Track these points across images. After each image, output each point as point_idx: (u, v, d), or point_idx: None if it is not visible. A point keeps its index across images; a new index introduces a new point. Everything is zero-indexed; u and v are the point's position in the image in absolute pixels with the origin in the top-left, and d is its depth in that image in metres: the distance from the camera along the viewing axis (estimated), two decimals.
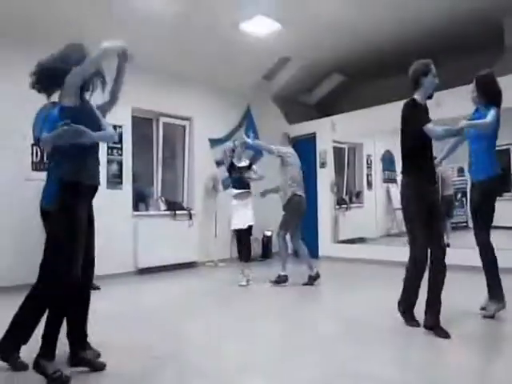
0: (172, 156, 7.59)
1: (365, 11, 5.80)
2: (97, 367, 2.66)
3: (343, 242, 7.95)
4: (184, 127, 7.48)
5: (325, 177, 7.95)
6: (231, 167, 5.72)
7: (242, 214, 5.57)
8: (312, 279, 5.37)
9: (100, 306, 4.77)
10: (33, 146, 5.54)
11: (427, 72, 3.32)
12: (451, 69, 6.23)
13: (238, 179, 5.66)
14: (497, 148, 3.65)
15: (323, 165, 7.97)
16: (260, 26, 6.15)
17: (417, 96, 3.34)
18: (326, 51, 7.05)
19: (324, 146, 7.95)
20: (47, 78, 2.60)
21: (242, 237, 5.68)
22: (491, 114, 3.40)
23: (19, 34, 5.26)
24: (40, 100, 2.96)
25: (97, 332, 3.00)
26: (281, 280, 5.43)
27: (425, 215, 3.28)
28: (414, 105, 3.32)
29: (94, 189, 2.70)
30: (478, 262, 3.59)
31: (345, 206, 8.47)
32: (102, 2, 5.13)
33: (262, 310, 4.39)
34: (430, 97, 3.38)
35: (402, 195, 3.43)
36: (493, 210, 3.59)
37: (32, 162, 5.53)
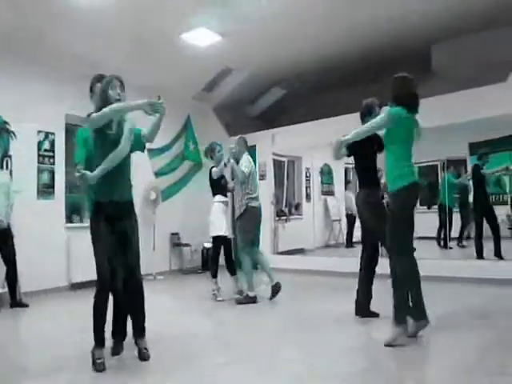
0: None
1: (302, 29, 5.99)
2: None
3: (282, 253, 8.06)
4: None
5: (264, 189, 8.03)
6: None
7: (226, 222, 5.31)
8: (246, 299, 4.96)
9: (30, 326, 4.54)
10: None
11: (371, 112, 3.88)
12: (385, 87, 6.61)
13: (225, 186, 5.40)
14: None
15: (263, 177, 8.05)
16: (201, 38, 6.14)
17: None
18: (267, 65, 7.18)
19: (264, 159, 8.05)
20: None
21: (228, 245, 5.36)
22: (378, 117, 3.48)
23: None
24: None
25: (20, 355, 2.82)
26: (249, 301, 4.92)
27: None
28: None
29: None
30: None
31: (284, 217, 8.61)
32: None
33: (206, 324, 4.33)
34: None
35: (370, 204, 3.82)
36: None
37: None
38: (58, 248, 6.04)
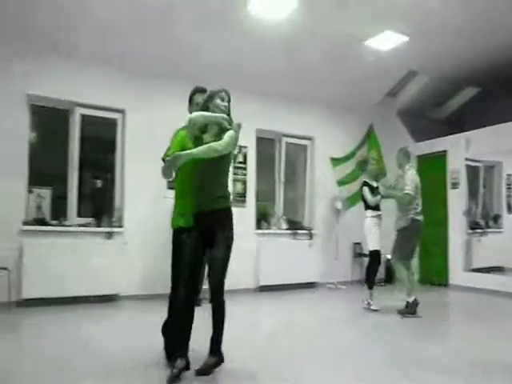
0: (293, 175, 7.66)
1: (502, 19, 5.30)
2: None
3: (477, 270, 7.18)
4: (306, 147, 7.52)
5: (456, 198, 7.30)
6: (368, 186, 5.42)
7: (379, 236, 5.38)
8: (410, 307, 4.89)
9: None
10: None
11: None
12: None
13: (378, 203, 5.42)
14: None
15: (455, 185, 7.33)
16: (386, 41, 5.96)
17: None
18: (458, 62, 6.56)
19: (456, 165, 7.32)
20: None
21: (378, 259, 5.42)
22: None
23: None
24: None
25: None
26: (412, 308, 4.90)
27: None
28: None
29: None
30: None
31: (479, 230, 7.68)
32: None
33: (379, 339, 4.12)
34: None
35: None
36: None
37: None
38: (248, 252, 6.51)
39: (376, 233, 5.31)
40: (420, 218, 5.05)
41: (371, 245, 5.34)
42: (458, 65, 6.66)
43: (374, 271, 5.41)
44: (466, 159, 7.32)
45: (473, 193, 7.75)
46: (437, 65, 6.70)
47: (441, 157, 7.50)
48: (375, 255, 5.34)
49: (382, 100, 7.68)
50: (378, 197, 5.31)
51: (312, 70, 6.47)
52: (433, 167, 7.63)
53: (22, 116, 5.24)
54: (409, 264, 5.14)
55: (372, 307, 5.20)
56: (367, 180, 5.49)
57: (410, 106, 7.87)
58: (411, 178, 5.06)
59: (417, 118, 8.09)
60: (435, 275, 7.42)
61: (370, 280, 5.37)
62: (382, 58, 6.31)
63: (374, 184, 5.47)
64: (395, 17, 5.39)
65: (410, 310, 4.88)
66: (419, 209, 5.05)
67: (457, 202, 7.27)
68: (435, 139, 7.59)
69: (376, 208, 5.38)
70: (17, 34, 5.03)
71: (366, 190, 5.36)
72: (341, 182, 7.16)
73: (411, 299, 4.92)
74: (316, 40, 5.76)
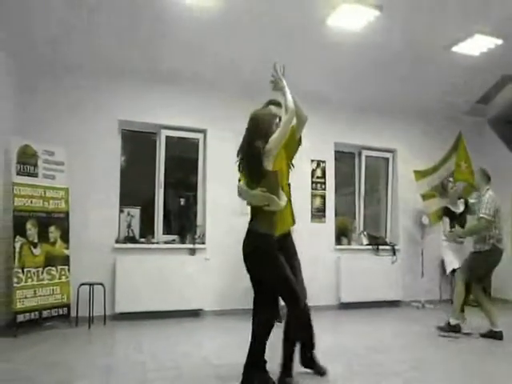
0: (374, 189, 7.42)
1: None
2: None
3: None
4: (387, 160, 7.26)
5: None
6: (449, 214, 5.27)
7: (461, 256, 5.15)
8: (449, 328, 4.83)
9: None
10: None
11: None
12: None
13: (459, 224, 5.22)
14: None
15: None
16: (475, 46, 5.64)
17: None
18: None
19: None
20: None
21: None
22: None
23: None
24: None
25: None
26: (452, 329, 4.81)
27: None
28: None
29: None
30: None
31: None
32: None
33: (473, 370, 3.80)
34: None
35: None
36: None
37: None
38: (328, 268, 6.43)
39: (449, 254, 5.27)
40: (501, 246, 4.71)
41: (447, 268, 5.36)
42: None
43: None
44: None
45: None
46: None
47: None
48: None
49: (472, 108, 7.20)
50: (458, 239, 5.17)
51: (394, 80, 6.28)
52: None
53: (114, 141, 5.68)
54: (480, 296, 4.86)
55: (464, 330, 4.96)
56: (450, 206, 5.31)
57: (504, 112, 7.26)
58: (490, 200, 4.66)
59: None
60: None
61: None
62: (472, 64, 5.96)
63: (459, 209, 5.27)
64: (484, 20, 5.05)
65: (446, 329, 4.86)
66: (500, 236, 4.70)
67: None
68: None
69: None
70: (106, 65, 5.49)
71: (445, 222, 5.27)
72: (425, 196, 6.80)
73: (454, 322, 4.83)
74: (399, 49, 5.61)
